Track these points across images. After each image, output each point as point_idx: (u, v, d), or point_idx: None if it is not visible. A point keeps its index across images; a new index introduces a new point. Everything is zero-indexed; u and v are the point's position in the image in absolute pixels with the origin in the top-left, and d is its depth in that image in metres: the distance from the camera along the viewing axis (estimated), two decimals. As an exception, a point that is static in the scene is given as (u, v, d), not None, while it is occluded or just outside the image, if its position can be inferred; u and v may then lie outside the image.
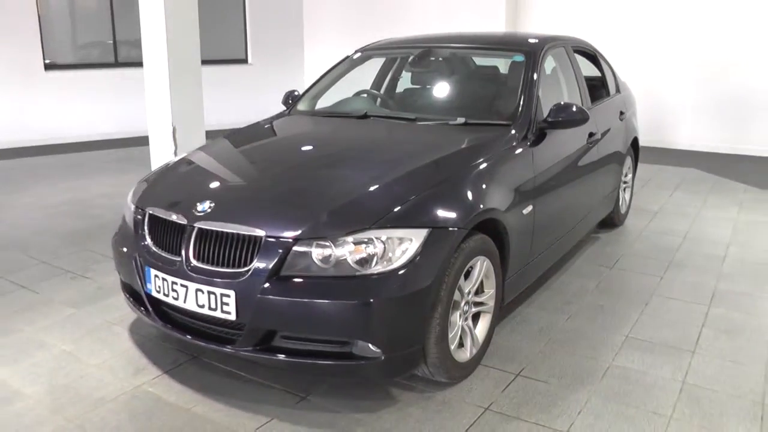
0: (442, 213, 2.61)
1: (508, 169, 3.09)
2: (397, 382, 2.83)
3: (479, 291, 2.90)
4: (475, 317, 2.93)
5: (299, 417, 2.59)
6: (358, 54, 4.40)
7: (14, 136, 8.58)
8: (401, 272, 2.43)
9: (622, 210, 5.06)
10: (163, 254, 2.73)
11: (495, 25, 8.99)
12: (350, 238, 2.44)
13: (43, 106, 8.73)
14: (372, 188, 2.69)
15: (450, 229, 2.57)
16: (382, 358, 2.44)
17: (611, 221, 4.91)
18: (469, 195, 2.78)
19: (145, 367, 3.00)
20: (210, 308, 2.55)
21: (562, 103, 3.45)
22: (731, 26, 7.99)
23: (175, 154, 5.86)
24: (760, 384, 2.88)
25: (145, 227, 2.86)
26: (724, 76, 8.13)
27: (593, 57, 4.73)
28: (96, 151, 8.56)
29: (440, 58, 4.10)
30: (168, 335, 3.20)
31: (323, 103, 4.26)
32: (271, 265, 2.44)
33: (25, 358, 3.09)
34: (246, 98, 10.23)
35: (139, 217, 2.92)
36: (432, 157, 2.96)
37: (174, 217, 2.71)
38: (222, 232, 2.56)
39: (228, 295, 2.49)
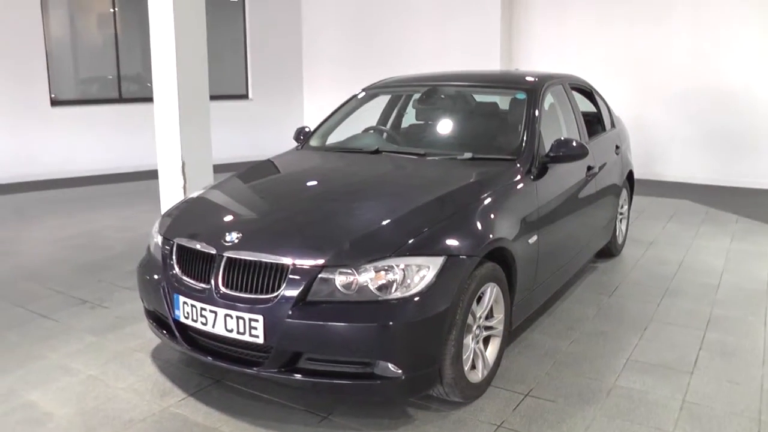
0: (456, 242, 2.80)
1: (515, 201, 3.29)
2: (413, 402, 2.97)
3: (489, 316, 3.07)
4: (486, 341, 3.09)
5: (320, 436, 2.74)
6: (365, 92, 4.63)
7: (22, 170, 8.76)
8: (420, 297, 2.60)
9: (619, 240, 5.27)
10: (192, 282, 2.89)
11: (489, 63, 9.33)
12: (371, 266, 2.62)
13: (49, 141, 8.94)
14: (390, 219, 2.88)
15: (464, 257, 2.76)
16: (403, 377, 2.60)
17: (609, 251, 5.11)
18: (481, 225, 2.98)
19: (171, 390, 3.13)
20: (238, 332, 2.70)
21: (562, 138, 3.68)
22: (721, 61, 8.33)
23: (184, 188, 6.04)
24: (755, 402, 3.05)
25: (173, 257, 3.02)
26: (713, 110, 8.44)
27: (589, 94, 4.99)
28: (102, 185, 8.74)
29: (446, 96, 4.34)
30: (194, 359, 3.34)
31: (333, 138, 4.47)
32: (297, 292, 2.61)
33: (52, 383, 3.22)
34: (246, 133, 10.49)
35: (167, 247, 3.09)
36: (444, 190, 3.16)
37: (203, 247, 2.88)
38: (251, 260, 2.73)
39: (256, 320, 2.65)
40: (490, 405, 2.99)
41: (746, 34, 8.13)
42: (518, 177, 3.44)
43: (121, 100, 9.48)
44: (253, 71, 10.85)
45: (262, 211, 3.18)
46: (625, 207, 5.37)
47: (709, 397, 3.09)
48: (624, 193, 5.23)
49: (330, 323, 2.57)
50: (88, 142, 9.24)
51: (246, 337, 2.69)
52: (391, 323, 2.56)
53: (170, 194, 6.14)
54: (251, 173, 3.83)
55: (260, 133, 10.89)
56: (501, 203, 3.18)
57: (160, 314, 3.16)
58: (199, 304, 2.81)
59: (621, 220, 5.26)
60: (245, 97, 10.85)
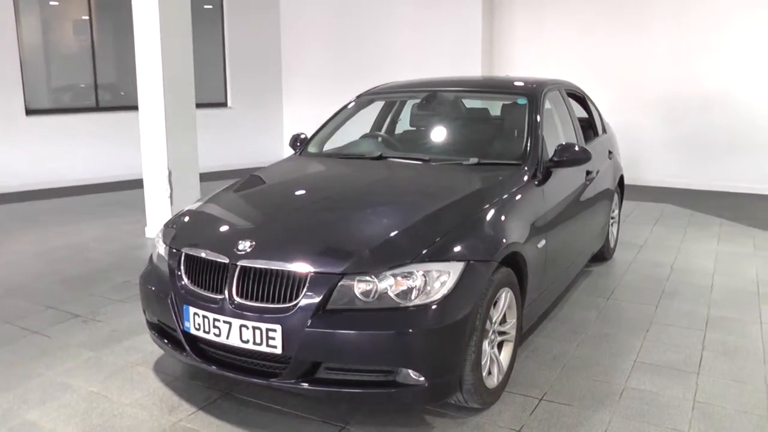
0: (474, 247, 2.78)
1: (525, 206, 3.30)
2: (430, 410, 2.94)
3: (503, 321, 3.06)
4: (499, 346, 3.08)
5: (342, 446, 2.69)
6: (361, 99, 4.60)
7: (-3, 182, 8.50)
8: (441, 303, 2.57)
9: (611, 244, 5.33)
10: (203, 293, 2.81)
11: (470, 70, 9.39)
12: (392, 273, 2.59)
13: (24, 151, 8.67)
14: (407, 225, 2.85)
15: (483, 262, 2.74)
16: (426, 385, 2.57)
17: (602, 255, 5.16)
18: (497, 230, 2.97)
19: (179, 405, 3.04)
20: (255, 343, 2.64)
21: (564, 143, 3.71)
22: (700, 67, 8.51)
23: (171, 197, 5.95)
24: (763, 400, 3.09)
25: (182, 267, 2.94)
26: (693, 115, 8.61)
27: (582, 99, 5.05)
28: (80, 196, 8.51)
29: (445, 102, 4.34)
30: (199, 372, 3.27)
31: (329, 145, 4.43)
32: (317, 300, 2.56)
33: (52, 401, 3.10)
34: (225, 141, 10.37)
35: (175, 257, 3.00)
36: (456, 196, 3.15)
37: (214, 257, 2.81)
38: (267, 269, 2.67)
39: (274, 330, 2.59)
40: (507, 410, 2.97)
41: (725, 40, 8.34)
42: (525, 182, 3.45)
43: (97, 108, 9.27)
44: (232, 79, 10.73)
45: (273, 218, 3.12)
46: (616, 211, 5.44)
47: (719, 397, 3.12)
48: (615, 198, 5.30)
49: (351, 332, 2.53)
50: (65, 151, 9.00)
51: (263, 348, 2.63)
52: (414, 330, 2.52)
53: (156, 203, 6.05)
54: (253, 181, 3.77)
55: (239, 141, 10.76)
56: (513, 208, 3.18)
57: (167, 326, 3.08)
58: (211, 315, 2.74)
59: (612, 224, 5.32)
60: (224, 105, 10.73)
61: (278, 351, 2.60)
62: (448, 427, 2.82)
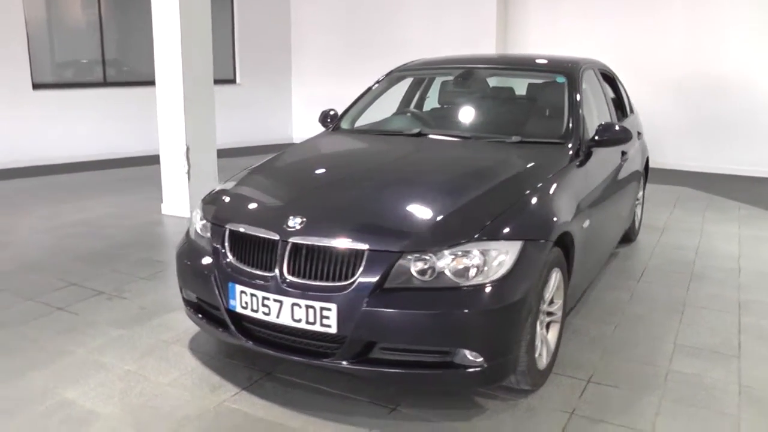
0: (531, 226, 2.72)
1: (572, 185, 3.23)
2: (480, 392, 2.89)
3: (550, 302, 3.01)
4: (546, 327, 3.03)
5: (396, 427, 2.63)
6: (392, 75, 4.50)
7: (4, 158, 8.31)
8: (500, 283, 2.51)
9: (636, 226, 5.29)
10: (251, 270, 2.73)
11: (484, 51, 9.26)
12: (451, 251, 2.52)
13: (31, 125, 8.50)
14: (462, 203, 2.78)
15: (540, 241, 2.68)
16: (484, 366, 2.52)
17: (627, 237, 5.12)
18: (550, 210, 2.91)
19: (221, 384, 2.97)
20: (308, 322, 2.57)
21: (605, 123, 3.64)
22: (715, 50, 8.45)
23: (188, 173, 5.85)
24: (809, 385, 3.07)
25: (226, 244, 2.86)
26: (708, 99, 8.57)
27: (612, 79, 4.97)
28: (89, 172, 8.36)
29: (481, 79, 4.25)
30: (237, 351, 3.21)
31: (361, 122, 4.34)
32: (375, 279, 2.49)
33: (88, 379, 3.02)
34: (234, 118, 10.21)
35: (218, 234, 2.92)
36: (508, 173, 3.08)
37: (264, 233, 2.73)
38: (320, 246, 2.60)
39: (329, 309, 2.52)
40: (556, 392, 2.93)
41: (739, 22, 8.26)
42: (569, 161, 3.38)
43: (105, 83, 9.08)
44: (240, 56, 10.56)
45: (321, 194, 3.02)
46: (641, 192, 5.39)
47: (763, 381, 3.09)
48: (641, 179, 5.25)
49: (409, 311, 2.47)
50: (72, 127, 8.82)
51: (316, 327, 2.56)
52: (473, 310, 2.47)
53: (173, 180, 5.95)
54: (290, 156, 3.67)
55: (248, 118, 10.63)
56: (562, 187, 3.12)
57: (207, 304, 3.00)
58: (260, 293, 2.66)
59: (637, 206, 5.27)
60: (233, 81, 10.55)
61: (333, 330, 2.53)
62: (500, 410, 2.77)
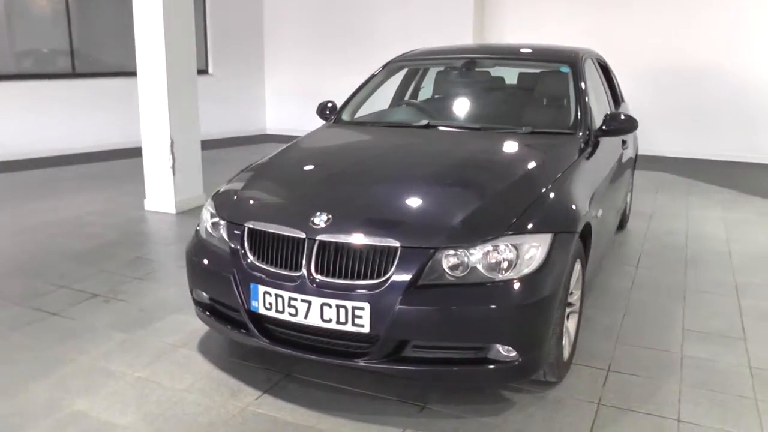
0: (559, 218, 2.71)
1: (586, 175, 3.23)
2: (506, 386, 2.88)
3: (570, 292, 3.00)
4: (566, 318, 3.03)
5: (429, 425, 2.59)
6: (390, 65, 4.42)
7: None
8: (533, 276, 2.49)
9: (627, 212, 5.35)
10: (276, 270, 2.65)
11: (461, 42, 9.25)
12: (484, 246, 2.49)
13: (-5, 119, 8.13)
14: (490, 197, 2.75)
15: (568, 233, 2.67)
16: (519, 360, 2.50)
17: (620, 223, 5.18)
18: (574, 201, 2.89)
19: (240, 388, 2.89)
20: (338, 322, 2.51)
21: (612, 112, 3.66)
22: (692, 36, 8.60)
23: (173, 168, 5.68)
24: (817, 365, 3.15)
25: (245, 243, 2.76)
26: (681, 87, 8.74)
27: (605, 68, 4.99)
28: (61, 167, 8.03)
29: (484, 69, 4.21)
30: (255, 352, 3.13)
31: (360, 114, 4.26)
32: (409, 276, 2.44)
33: (98, 388, 2.90)
34: (207, 109, 9.93)
35: (235, 232, 2.82)
36: (529, 165, 3.06)
37: (288, 232, 2.64)
38: (350, 244, 2.53)
39: (362, 308, 2.46)
40: (579, 383, 2.94)
41: (711, 13, 8.43)
42: (581, 150, 3.38)
43: (74, 74, 8.73)
44: (213, 46, 10.29)
45: (344, 190, 2.94)
46: (631, 180, 5.46)
47: (770, 362, 3.17)
48: (634, 166, 5.31)
49: (445, 308, 2.43)
50: (39, 120, 8.43)
51: (348, 327, 2.50)
52: (508, 305, 2.44)
53: (157, 174, 5.77)
54: (300, 149, 3.57)
55: (220, 109, 10.39)
56: (579, 177, 3.11)
57: (224, 305, 2.91)
58: (287, 294, 2.58)
59: (628, 193, 5.34)
60: (205, 72, 10.28)
61: (365, 330, 2.48)
62: (528, 403, 2.76)
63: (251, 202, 2.98)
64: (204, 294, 3.03)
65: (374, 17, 10.09)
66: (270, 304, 2.64)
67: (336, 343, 2.60)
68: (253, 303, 2.69)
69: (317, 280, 2.54)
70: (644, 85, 8.95)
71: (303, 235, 2.59)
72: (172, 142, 5.61)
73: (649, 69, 8.88)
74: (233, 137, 10.39)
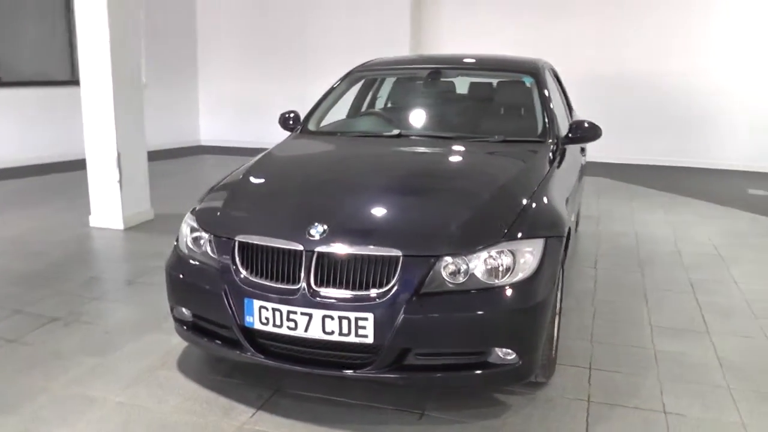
0: (548, 223, 2.78)
1: (561, 181, 3.34)
2: (497, 389, 2.91)
3: (553, 294, 3.09)
4: (550, 319, 3.11)
5: (433, 432, 2.60)
6: (354, 74, 4.42)
7: None
8: (530, 280, 2.55)
9: (578, 216, 5.56)
10: (272, 284, 2.59)
11: (399, 52, 9.40)
12: (484, 253, 2.53)
13: None
14: (483, 204, 2.79)
15: (557, 237, 2.74)
16: (519, 363, 2.54)
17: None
18: (558, 206, 2.98)
19: (231, 406, 2.80)
20: (341, 334, 2.47)
21: (577, 120, 3.80)
22: (623, 45, 9.04)
23: (120, 182, 5.45)
24: (774, 352, 3.37)
25: (237, 257, 2.69)
26: (617, 91, 9.18)
27: (558, 78, 5.17)
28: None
29: (450, 79, 4.27)
30: (239, 368, 3.06)
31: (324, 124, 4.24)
32: (412, 285, 2.44)
33: (77, 416, 2.73)
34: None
35: (224, 246, 2.73)
36: (513, 172, 3.13)
37: (284, 244, 2.59)
38: (350, 255, 2.50)
39: (365, 319, 2.44)
40: (566, 382, 3.02)
41: (641, 23, 8.93)
42: (552, 158, 3.49)
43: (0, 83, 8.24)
44: (146, 55, 9.92)
45: (336, 201, 2.90)
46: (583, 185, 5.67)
47: (736, 353, 3.36)
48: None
49: (448, 315, 2.45)
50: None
51: (350, 339, 2.47)
52: (510, 309, 2.49)
53: (103, 189, 5.53)
54: (277, 161, 3.50)
55: (153, 120, 9.99)
56: (556, 183, 3.21)
57: (211, 322, 2.81)
58: (284, 308, 2.53)
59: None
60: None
61: (369, 340, 2.46)
62: (522, 405, 2.81)
63: (239, 215, 2.90)
64: (186, 311, 2.93)
65: (310, 26, 10.09)
66: (267, 318, 2.57)
67: (336, 354, 2.57)
68: (248, 318, 2.62)
69: (318, 293, 2.50)
70: (578, 93, 9.30)
71: (300, 248, 2.55)
72: (119, 155, 5.38)
73: (582, 78, 9.23)
74: (166, 149, 10.06)
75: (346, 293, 2.48)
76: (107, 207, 5.53)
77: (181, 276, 2.89)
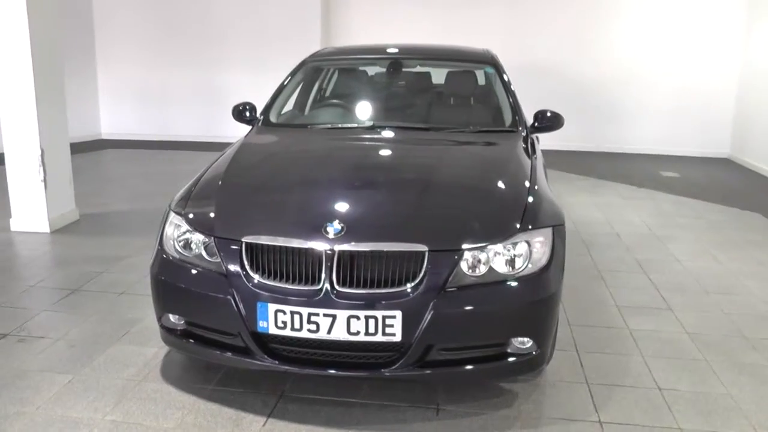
0: (550, 212, 2.82)
1: (540, 169, 3.40)
2: (504, 379, 2.95)
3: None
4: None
5: (456, 426, 2.59)
6: (308, 64, 4.28)
7: None
8: (545, 269, 2.59)
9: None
10: (290, 286, 2.46)
11: (309, 44, 9.37)
12: (503, 244, 2.54)
13: None
14: (494, 196, 2.81)
15: (559, 226, 2.80)
16: (537, 351, 2.59)
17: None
18: (550, 193, 3.05)
19: (240, 416, 2.65)
20: (368, 333, 2.40)
21: (540, 110, 3.88)
22: (535, 40, 9.35)
23: (45, 181, 5.00)
24: (729, 324, 3.63)
25: (245, 260, 2.53)
26: (529, 82, 9.38)
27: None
28: None
29: (410, 69, 4.24)
30: (233, 375, 2.91)
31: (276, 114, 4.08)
32: (439, 280, 2.42)
33: (65, 441, 2.49)
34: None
35: (230, 249, 2.56)
36: (508, 163, 3.15)
37: (300, 245, 2.47)
38: (374, 252, 2.43)
39: (393, 317, 2.38)
40: (560, 366, 3.09)
41: (559, 14, 9.33)
42: (526, 147, 3.56)
43: None
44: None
45: (345, 196, 2.81)
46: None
47: (700, 327, 3.60)
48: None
49: (475, 308, 2.44)
50: None
51: (377, 338, 2.41)
52: (531, 299, 2.53)
53: (25, 190, 5.07)
54: (256, 155, 3.35)
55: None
56: (540, 172, 3.28)
57: (211, 330, 2.65)
58: (305, 310, 2.42)
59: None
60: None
61: (397, 339, 2.41)
62: (529, 392, 2.86)
63: (241, 215, 2.73)
64: (176, 319, 2.74)
65: (217, 14, 9.73)
66: (284, 322, 2.45)
67: (355, 355, 2.49)
68: (261, 324, 2.48)
69: (342, 293, 2.41)
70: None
71: (320, 247, 2.44)
72: (42, 152, 4.92)
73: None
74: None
75: (371, 291, 2.41)
76: (30, 209, 5.05)
77: (171, 282, 2.69)
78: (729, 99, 9.30)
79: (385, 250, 2.44)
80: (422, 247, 2.44)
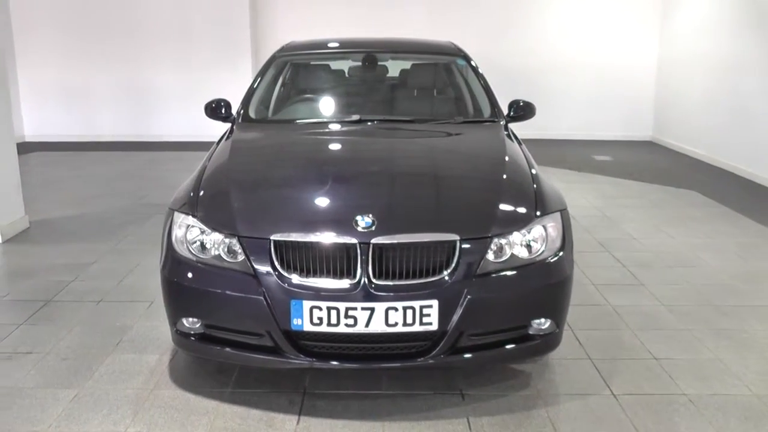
0: (555, 197, 2.93)
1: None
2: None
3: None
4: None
5: (485, 409, 2.67)
6: (279, 59, 4.22)
7: None
8: (562, 251, 2.71)
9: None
10: (325, 282, 2.46)
11: (239, 35, 9.41)
12: (525, 230, 2.64)
13: None
14: (508, 184, 2.90)
15: (565, 209, 2.92)
16: (556, 331, 2.71)
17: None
18: (549, 180, 3.17)
19: (270, 417, 2.62)
20: (405, 324, 2.44)
21: (514, 99, 4.02)
22: (460, 25, 9.50)
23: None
24: (700, 295, 3.91)
25: (274, 258, 2.50)
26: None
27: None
28: None
29: (383, 62, 4.26)
30: (246, 376, 2.90)
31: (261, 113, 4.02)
32: (471, 267, 2.49)
33: (91, 458, 2.39)
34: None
35: (256, 248, 2.52)
36: (508, 151, 3.25)
37: (336, 238, 2.47)
38: (407, 243, 2.47)
39: (430, 306, 2.44)
40: (561, 345, 3.08)
41: (483, 8, 9.58)
42: (510, 136, 3.68)
43: None
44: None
45: (370, 190, 2.84)
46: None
47: (674, 299, 3.84)
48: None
49: (505, 293, 2.55)
50: None
51: (415, 328, 2.45)
52: (554, 281, 2.65)
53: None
54: (257, 153, 3.31)
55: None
56: (530, 160, 3.40)
57: (235, 332, 2.61)
58: (343, 305, 2.43)
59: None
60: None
61: (434, 327, 2.46)
62: (541, 372, 2.99)
63: (265, 213, 2.69)
64: (194, 323, 2.67)
65: (141, 11, 9.37)
66: (320, 318, 2.45)
67: (388, 347, 2.53)
68: (295, 321, 2.47)
69: (380, 285, 2.44)
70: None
71: (354, 241, 2.46)
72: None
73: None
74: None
75: (407, 282, 2.45)
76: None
77: (187, 285, 2.62)
78: (649, 84, 9.87)
79: (417, 241, 2.48)
80: (454, 236, 2.50)
